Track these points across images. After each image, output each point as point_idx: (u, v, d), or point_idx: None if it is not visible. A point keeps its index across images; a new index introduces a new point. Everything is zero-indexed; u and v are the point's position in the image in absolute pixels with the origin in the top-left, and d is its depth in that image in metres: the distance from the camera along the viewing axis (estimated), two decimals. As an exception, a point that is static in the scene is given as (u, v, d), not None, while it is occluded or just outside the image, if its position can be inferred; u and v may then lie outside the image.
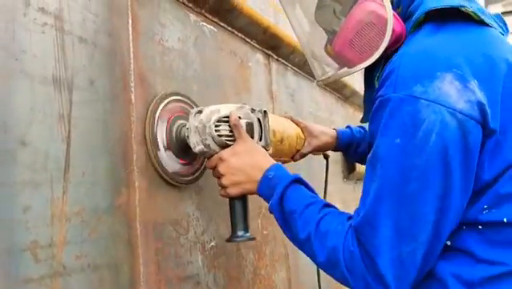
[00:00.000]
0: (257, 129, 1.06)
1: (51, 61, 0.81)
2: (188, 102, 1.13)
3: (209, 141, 0.98)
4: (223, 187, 1.01)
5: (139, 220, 0.94)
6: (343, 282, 0.83)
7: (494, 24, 0.88)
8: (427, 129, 0.73)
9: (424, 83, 0.74)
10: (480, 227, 0.77)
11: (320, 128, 1.35)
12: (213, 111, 0.99)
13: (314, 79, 1.15)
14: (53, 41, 0.82)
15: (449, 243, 0.80)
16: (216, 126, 0.98)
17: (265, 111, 1.10)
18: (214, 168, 1.00)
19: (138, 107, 0.99)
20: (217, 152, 0.99)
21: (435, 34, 0.83)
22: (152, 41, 1.08)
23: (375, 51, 0.89)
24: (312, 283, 1.70)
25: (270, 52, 1.67)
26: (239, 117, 1.01)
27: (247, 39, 1.52)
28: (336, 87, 2.30)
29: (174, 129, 1.06)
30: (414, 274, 0.77)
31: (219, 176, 1.00)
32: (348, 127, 1.43)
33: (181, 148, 1.05)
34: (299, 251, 1.40)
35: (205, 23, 1.30)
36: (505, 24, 0.93)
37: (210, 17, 1.32)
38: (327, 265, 0.85)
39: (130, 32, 1.01)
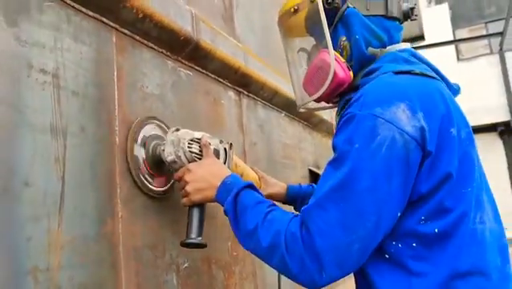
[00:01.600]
0: (222, 156, 1.25)
1: (49, 113, 0.97)
2: (163, 125, 1.30)
3: (181, 154, 1.16)
4: (186, 195, 1.17)
5: (121, 245, 1.10)
6: (281, 266, 0.96)
7: (437, 77, 1.08)
8: (380, 142, 0.90)
9: (384, 106, 0.93)
10: (414, 245, 0.93)
11: (274, 180, 1.57)
12: (188, 132, 1.20)
13: (283, 111, 1.38)
14: (51, 96, 0.98)
15: (387, 256, 0.96)
16: (189, 143, 1.18)
17: (231, 144, 1.29)
18: (181, 178, 1.18)
19: (122, 147, 1.16)
20: (184, 165, 1.18)
21: (400, 77, 1.02)
22: (134, 88, 1.25)
23: (322, 88, 1.12)
24: (278, 299, 1.86)
25: (241, 89, 1.86)
26: (209, 143, 1.21)
27: (220, 80, 1.70)
28: (304, 116, 2.50)
29: (150, 148, 1.22)
30: (347, 264, 0.91)
31: (184, 184, 1.17)
32: (299, 183, 1.63)
33: (155, 163, 1.23)
34: (267, 270, 1.57)
35: (181, 68, 1.48)
36: (444, 77, 1.13)
37: (186, 62, 1.50)
38: (269, 249, 0.97)
39: (115, 82, 1.18)
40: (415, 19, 1.22)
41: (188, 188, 1.15)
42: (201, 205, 1.18)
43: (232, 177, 1.14)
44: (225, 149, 1.27)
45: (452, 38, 10.10)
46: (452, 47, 10.07)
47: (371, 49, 1.11)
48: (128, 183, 1.15)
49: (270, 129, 2.12)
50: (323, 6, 1.11)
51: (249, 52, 1.89)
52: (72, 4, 1.08)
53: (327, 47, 1.11)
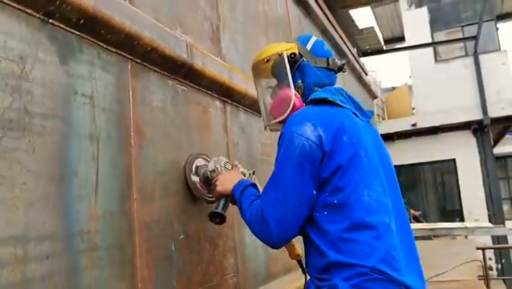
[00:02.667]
0: (247, 176, 1.80)
1: (88, 124, 1.38)
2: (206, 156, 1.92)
3: (218, 167, 1.78)
4: (215, 188, 1.72)
5: (136, 219, 1.52)
6: (253, 230, 1.48)
7: (348, 106, 1.52)
8: (294, 147, 1.40)
9: (297, 126, 1.43)
10: (325, 213, 1.38)
11: None
12: (225, 158, 1.83)
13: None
14: (89, 113, 1.39)
15: (313, 221, 1.41)
16: (225, 163, 1.79)
17: (254, 171, 1.84)
18: (216, 179, 1.73)
19: (135, 148, 1.57)
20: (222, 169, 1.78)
21: (312, 107, 1.48)
22: (144, 103, 1.66)
23: (285, 113, 1.57)
24: (253, 268, 2.31)
25: (225, 99, 2.28)
26: (237, 166, 1.81)
27: (209, 92, 2.12)
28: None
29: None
30: (285, 227, 1.40)
31: (215, 184, 1.71)
32: None
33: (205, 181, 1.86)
34: (245, 245, 2.02)
35: (178, 85, 1.89)
36: (358, 106, 1.58)
37: (182, 80, 1.92)
38: (249, 220, 1.50)
39: (131, 100, 1.59)
40: (345, 71, 1.70)
41: (217, 183, 1.72)
42: (225, 197, 1.72)
43: (245, 181, 1.68)
44: (249, 174, 1.82)
45: (430, 41, 10.60)
46: (430, 49, 10.57)
47: (316, 88, 1.58)
48: (141, 173, 1.57)
49: (250, 131, 2.55)
50: (287, 59, 1.61)
51: (233, 68, 2.31)
52: (101, 44, 1.48)
53: (289, 86, 1.58)
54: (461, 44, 10.52)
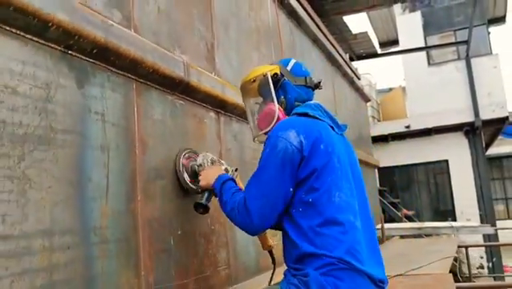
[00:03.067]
0: (230, 172, 2.04)
1: (100, 137, 1.65)
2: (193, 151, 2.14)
3: (205, 162, 2.04)
4: (200, 181, 1.99)
5: (140, 217, 1.78)
6: (235, 220, 1.73)
7: (325, 119, 1.79)
8: (278, 149, 1.64)
9: (283, 131, 1.67)
10: (300, 209, 1.63)
11: None
12: (212, 156, 2.08)
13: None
14: (101, 127, 1.66)
15: (290, 217, 1.66)
16: (211, 159, 2.03)
17: (236, 168, 2.08)
18: (200, 174, 2.00)
19: (139, 156, 1.84)
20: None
21: (296, 117, 1.77)
22: (147, 117, 1.93)
23: (270, 125, 1.82)
24: (244, 261, 2.57)
25: (219, 110, 2.54)
26: (222, 163, 2.05)
27: (204, 105, 2.38)
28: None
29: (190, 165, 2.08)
30: (265, 218, 1.65)
31: (200, 178, 1.98)
32: None
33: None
34: (236, 241, 2.28)
35: (176, 100, 2.16)
36: (334, 120, 1.85)
37: (180, 95, 2.18)
38: (231, 211, 1.74)
39: (135, 115, 1.85)
40: (321, 88, 1.95)
41: (201, 178, 2.00)
42: (208, 190, 1.98)
43: (225, 175, 1.91)
44: (232, 170, 2.07)
45: (424, 44, 10.88)
46: (423, 52, 10.84)
47: (297, 103, 1.84)
48: (144, 178, 1.84)
49: (242, 138, 2.81)
50: (271, 79, 1.88)
51: (226, 83, 2.57)
52: (111, 68, 1.75)
53: (273, 102, 1.84)
54: (454, 48, 10.78)
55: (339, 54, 5.97)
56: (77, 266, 1.47)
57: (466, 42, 9.57)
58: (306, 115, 1.78)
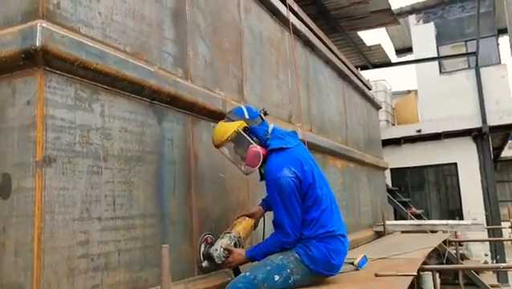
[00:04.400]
0: (237, 243, 2.75)
1: (170, 155, 2.54)
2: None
3: (222, 253, 2.69)
4: (231, 264, 2.69)
5: (193, 209, 2.67)
6: (284, 246, 2.57)
7: (290, 140, 2.67)
8: (284, 186, 2.50)
9: (279, 172, 2.52)
10: (303, 222, 2.54)
11: (256, 208, 3.04)
12: (223, 246, 2.69)
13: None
14: (171, 149, 2.55)
15: (303, 226, 2.55)
16: (224, 249, 2.69)
17: (238, 236, 2.77)
18: (229, 260, 2.69)
19: (193, 166, 2.72)
20: (226, 257, 2.69)
21: (277, 154, 2.61)
22: (198, 140, 2.80)
23: (259, 163, 2.65)
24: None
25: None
26: (232, 244, 2.71)
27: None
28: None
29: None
30: (295, 232, 2.52)
31: (230, 261, 2.67)
32: (263, 200, 3.09)
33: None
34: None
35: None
36: (292, 134, 2.75)
37: (206, 118, 3.05)
38: (278, 246, 2.58)
39: (191, 139, 2.73)
40: (268, 114, 2.81)
41: (235, 263, 2.67)
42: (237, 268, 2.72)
43: (247, 253, 2.66)
44: (238, 239, 2.74)
45: (436, 53, 11.52)
46: (435, 61, 11.49)
47: (266, 136, 2.67)
48: (197, 181, 2.73)
49: (263, 150, 3.67)
50: (243, 131, 2.65)
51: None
52: (176, 109, 2.63)
53: (252, 145, 2.63)
54: (464, 58, 11.38)
55: (350, 70, 6.76)
56: (157, 237, 2.37)
57: (474, 54, 10.18)
58: (281, 148, 2.60)
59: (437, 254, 7.15)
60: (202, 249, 2.70)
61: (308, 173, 2.54)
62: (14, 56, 1.83)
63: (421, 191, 11.85)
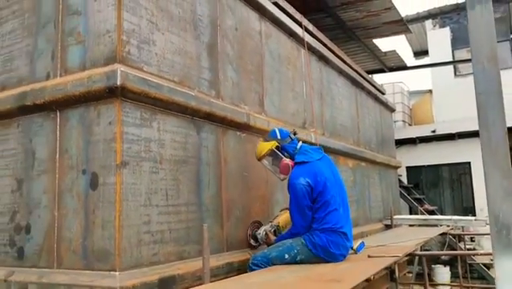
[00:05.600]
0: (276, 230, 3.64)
1: (206, 158, 3.29)
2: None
3: (264, 236, 3.62)
4: (267, 243, 3.59)
5: (223, 199, 3.42)
6: (296, 234, 3.38)
7: (313, 154, 3.39)
8: (298, 190, 3.28)
9: (296, 179, 3.30)
10: (313, 218, 3.27)
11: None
12: (266, 230, 3.64)
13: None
14: (206, 153, 3.30)
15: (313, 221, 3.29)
16: (265, 230, 3.62)
17: (277, 225, 3.64)
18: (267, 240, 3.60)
19: (223, 167, 3.47)
20: (265, 239, 3.61)
21: (298, 166, 3.36)
22: (227, 146, 3.55)
23: (289, 172, 3.44)
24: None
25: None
26: (269, 230, 3.63)
27: (257, 134, 3.98)
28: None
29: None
30: (306, 225, 3.29)
31: (267, 239, 3.59)
32: None
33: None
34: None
35: (240, 134, 3.77)
36: (317, 149, 3.44)
37: (243, 131, 3.79)
38: (293, 234, 3.40)
39: (221, 145, 3.48)
40: (297, 134, 3.55)
41: (267, 242, 3.55)
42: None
43: (275, 240, 3.50)
44: (277, 227, 3.63)
45: (451, 57, 11.95)
46: (450, 65, 11.92)
47: (295, 151, 3.42)
48: (226, 178, 3.48)
49: (280, 152, 4.40)
50: (277, 149, 3.44)
51: (270, 119, 4.16)
52: (210, 122, 3.38)
53: (283, 159, 3.42)
54: (479, 61, 11.75)
55: (363, 78, 7.40)
56: (197, 221, 3.12)
57: (488, 58, 10.55)
58: (303, 162, 3.33)
59: (448, 246, 7.75)
60: (249, 232, 3.62)
61: (320, 183, 3.26)
62: (101, 90, 2.60)
63: (436, 189, 12.33)
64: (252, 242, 3.64)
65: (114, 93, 2.59)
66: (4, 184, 3.02)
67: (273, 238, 3.56)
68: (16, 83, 3.08)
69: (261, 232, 3.63)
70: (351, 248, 3.86)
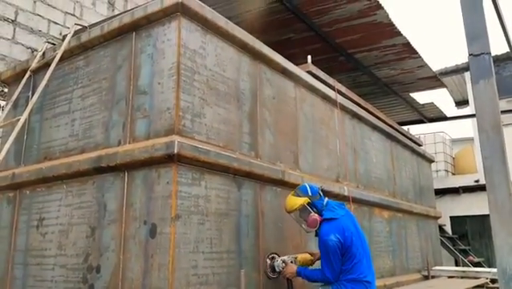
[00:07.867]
0: (292, 261, 4.02)
1: (245, 211, 3.82)
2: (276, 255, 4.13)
3: (280, 263, 3.96)
4: (286, 275, 3.94)
5: (260, 248, 3.90)
6: (319, 281, 3.76)
7: (339, 210, 3.82)
8: (330, 246, 3.60)
9: (327, 236, 3.67)
10: (342, 271, 3.66)
11: (317, 251, 4.18)
12: (282, 258, 4.01)
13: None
14: (246, 207, 3.83)
15: (342, 274, 3.70)
16: (282, 261, 3.96)
17: (296, 257, 4.03)
18: (285, 271, 3.96)
19: (261, 220, 3.97)
20: (282, 268, 3.97)
21: (327, 223, 3.78)
22: (265, 200, 4.06)
23: (317, 226, 3.82)
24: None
25: (300, 191, 4.63)
26: (289, 261, 3.99)
27: (291, 189, 4.48)
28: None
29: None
30: (334, 275, 3.64)
31: (286, 272, 3.93)
32: None
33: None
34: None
35: (276, 188, 4.27)
36: (341, 205, 3.89)
37: (281, 187, 4.29)
38: (318, 277, 3.68)
39: (259, 199, 4.00)
40: (325, 190, 3.94)
41: (288, 273, 3.89)
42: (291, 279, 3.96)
43: (299, 268, 3.87)
44: (294, 259, 3.99)
45: (492, 107, 12.02)
46: (492, 115, 11.95)
47: (323, 207, 3.85)
48: (263, 230, 3.97)
49: (314, 205, 4.85)
50: (307, 205, 3.84)
51: (304, 174, 4.65)
52: (249, 179, 3.92)
53: (312, 214, 3.82)
54: (520, 111, 11.78)
55: (398, 131, 7.77)
56: (236, 266, 3.60)
57: (527, 110, 10.66)
58: (331, 219, 3.77)
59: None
60: (268, 262, 3.94)
61: (348, 238, 3.68)
62: (161, 157, 3.23)
63: (481, 239, 12.10)
64: (269, 272, 3.90)
65: (171, 159, 3.20)
66: (80, 230, 3.67)
67: (294, 266, 3.84)
68: (93, 148, 3.80)
69: (278, 260, 3.90)
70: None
